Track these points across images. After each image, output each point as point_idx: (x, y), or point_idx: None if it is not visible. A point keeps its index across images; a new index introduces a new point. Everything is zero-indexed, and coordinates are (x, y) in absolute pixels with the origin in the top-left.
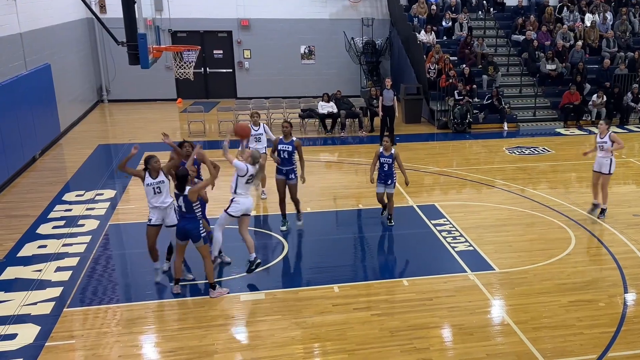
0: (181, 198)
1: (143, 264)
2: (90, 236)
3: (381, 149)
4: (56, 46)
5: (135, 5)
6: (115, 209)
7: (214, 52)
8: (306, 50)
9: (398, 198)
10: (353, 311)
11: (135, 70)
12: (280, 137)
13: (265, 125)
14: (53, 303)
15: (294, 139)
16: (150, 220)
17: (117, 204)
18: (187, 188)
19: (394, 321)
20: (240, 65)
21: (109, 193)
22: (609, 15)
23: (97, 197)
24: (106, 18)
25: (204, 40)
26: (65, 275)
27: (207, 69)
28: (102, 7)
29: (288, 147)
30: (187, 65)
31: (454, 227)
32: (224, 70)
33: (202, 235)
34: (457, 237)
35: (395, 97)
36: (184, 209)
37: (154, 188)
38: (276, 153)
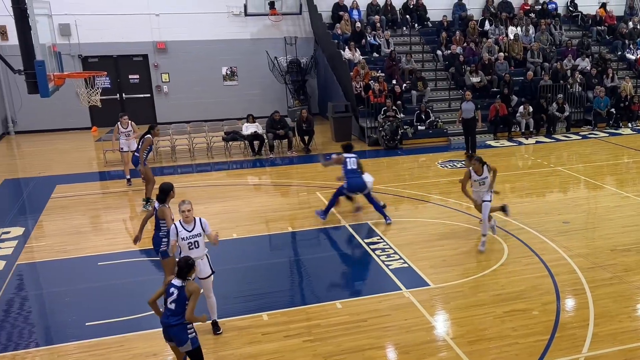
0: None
1: (59, 303)
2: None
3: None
4: None
5: (32, 32)
6: (25, 247)
7: (130, 76)
8: (228, 72)
9: (330, 218)
10: (284, 339)
11: (44, 99)
12: None
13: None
14: None
15: None
16: None
17: (27, 241)
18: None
19: (327, 346)
20: (159, 89)
21: (17, 230)
22: (531, 28)
23: (3, 236)
24: (8, 45)
25: (118, 65)
26: None
27: (124, 95)
28: (3, 34)
29: None
30: (94, 92)
31: (387, 244)
32: (142, 96)
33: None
34: (391, 255)
35: (476, 108)
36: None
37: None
38: None
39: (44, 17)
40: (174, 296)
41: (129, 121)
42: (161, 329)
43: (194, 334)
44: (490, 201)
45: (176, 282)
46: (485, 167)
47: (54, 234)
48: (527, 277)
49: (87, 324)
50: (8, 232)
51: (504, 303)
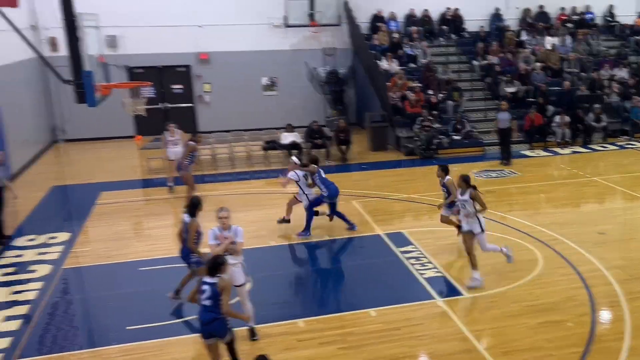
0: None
1: (102, 307)
2: (43, 282)
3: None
4: (5, 87)
5: (82, 43)
6: (71, 252)
7: (173, 86)
8: (268, 82)
9: (365, 227)
10: (319, 346)
11: (91, 108)
12: None
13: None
14: (1, 355)
15: None
16: None
17: (72, 246)
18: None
19: (361, 354)
20: (201, 99)
21: (64, 236)
22: (568, 38)
23: (50, 241)
24: (58, 56)
25: (162, 75)
26: (14, 325)
27: (167, 104)
28: (54, 46)
29: None
30: (139, 102)
31: (422, 253)
32: (184, 105)
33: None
34: (425, 264)
35: (511, 118)
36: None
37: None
38: None
39: (93, 29)
40: (208, 293)
41: (177, 130)
42: (197, 335)
43: (230, 325)
44: (478, 233)
45: (208, 279)
46: (468, 189)
47: (98, 240)
48: (562, 288)
49: (127, 327)
50: (55, 237)
51: (538, 314)
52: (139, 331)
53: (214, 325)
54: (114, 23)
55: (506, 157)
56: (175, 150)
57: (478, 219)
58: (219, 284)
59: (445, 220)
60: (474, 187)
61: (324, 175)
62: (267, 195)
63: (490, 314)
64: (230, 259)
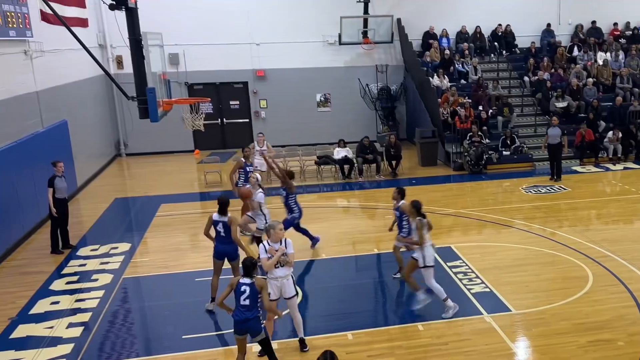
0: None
1: (159, 316)
2: (104, 291)
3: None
4: (73, 103)
5: (145, 61)
6: (131, 262)
7: (231, 102)
8: (322, 98)
9: None
10: (367, 359)
11: (153, 123)
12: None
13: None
14: None
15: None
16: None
17: (132, 257)
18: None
19: None
20: (257, 114)
21: (124, 246)
22: (620, 54)
23: (112, 251)
24: (123, 73)
25: (220, 92)
26: (77, 332)
27: (224, 120)
28: (119, 64)
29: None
30: (198, 117)
31: (470, 268)
32: (241, 120)
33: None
34: (473, 279)
35: (562, 134)
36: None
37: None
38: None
39: (156, 48)
40: (247, 293)
41: (265, 141)
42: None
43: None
44: (420, 266)
45: (245, 280)
46: (416, 217)
47: (156, 250)
48: (612, 306)
49: (183, 337)
50: (116, 248)
51: (587, 332)
52: (194, 340)
53: (250, 323)
54: (175, 41)
55: (556, 173)
56: (261, 161)
57: (422, 251)
58: (256, 283)
59: (396, 251)
60: (423, 216)
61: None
62: (319, 209)
63: (539, 331)
64: (281, 271)
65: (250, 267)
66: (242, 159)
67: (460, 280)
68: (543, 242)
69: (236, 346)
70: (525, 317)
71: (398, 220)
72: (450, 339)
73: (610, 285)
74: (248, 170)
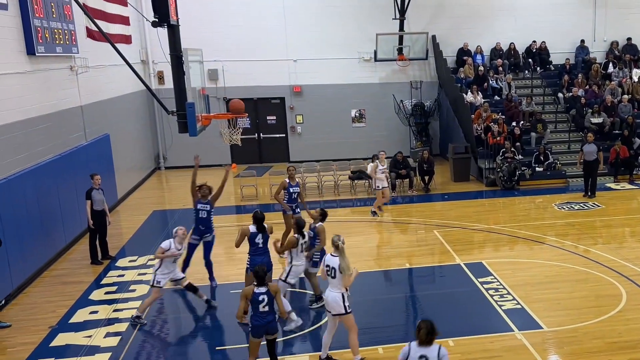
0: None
1: (194, 327)
2: (141, 301)
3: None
4: (115, 117)
5: (186, 76)
6: None
7: (268, 117)
8: (357, 114)
9: (446, 256)
10: None
11: (191, 137)
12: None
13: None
14: None
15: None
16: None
17: None
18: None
19: None
20: (293, 130)
21: None
22: None
23: (150, 262)
24: (164, 88)
25: (258, 107)
26: (114, 341)
27: (261, 135)
28: (161, 79)
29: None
30: (236, 132)
31: (501, 284)
32: (277, 135)
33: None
34: (505, 295)
35: (599, 150)
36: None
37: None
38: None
39: (196, 64)
40: (265, 301)
41: (385, 159)
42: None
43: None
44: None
45: (261, 289)
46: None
47: (193, 262)
48: None
49: (217, 348)
50: (154, 259)
51: (621, 351)
52: (228, 352)
53: (271, 324)
54: (215, 57)
55: (591, 189)
56: (384, 178)
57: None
58: (271, 289)
59: (307, 275)
60: (303, 235)
61: None
62: (353, 224)
63: (571, 349)
64: (332, 281)
65: (263, 276)
66: (287, 179)
67: (492, 296)
68: (576, 259)
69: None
70: (557, 334)
71: (310, 240)
72: (480, 356)
73: None
74: (292, 191)
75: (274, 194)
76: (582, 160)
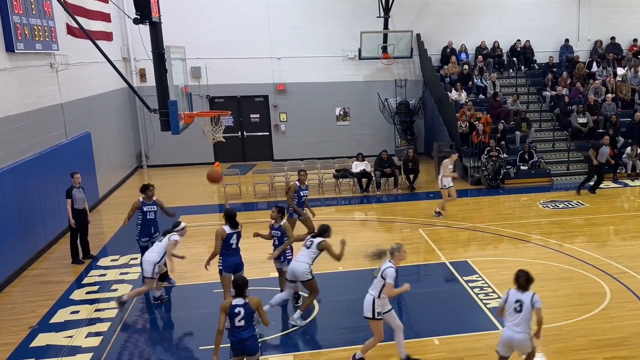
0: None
1: (177, 326)
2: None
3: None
4: (96, 115)
5: (168, 74)
6: None
7: (251, 116)
8: (341, 112)
9: (431, 255)
10: None
11: (174, 135)
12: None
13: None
14: None
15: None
16: None
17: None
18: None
19: None
20: (277, 128)
21: None
22: None
23: (132, 262)
24: (146, 86)
25: (241, 105)
26: (95, 341)
27: (244, 133)
28: (143, 76)
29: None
30: (218, 130)
31: (486, 283)
32: (261, 134)
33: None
34: (490, 294)
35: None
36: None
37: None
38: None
39: (179, 61)
40: (242, 314)
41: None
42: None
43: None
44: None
45: (239, 301)
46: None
47: (175, 261)
48: (630, 323)
49: (200, 348)
50: (136, 258)
51: (605, 349)
52: (212, 351)
53: (247, 342)
54: (198, 55)
55: (594, 187)
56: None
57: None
58: (251, 302)
59: (280, 273)
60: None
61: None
62: (337, 222)
63: (555, 347)
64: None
65: (243, 286)
66: (297, 182)
67: (477, 294)
68: (560, 257)
69: None
70: (542, 332)
71: (278, 241)
72: (465, 354)
73: (628, 301)
74: (302, 194)
75: (288, 200)
76: (597, 162)
